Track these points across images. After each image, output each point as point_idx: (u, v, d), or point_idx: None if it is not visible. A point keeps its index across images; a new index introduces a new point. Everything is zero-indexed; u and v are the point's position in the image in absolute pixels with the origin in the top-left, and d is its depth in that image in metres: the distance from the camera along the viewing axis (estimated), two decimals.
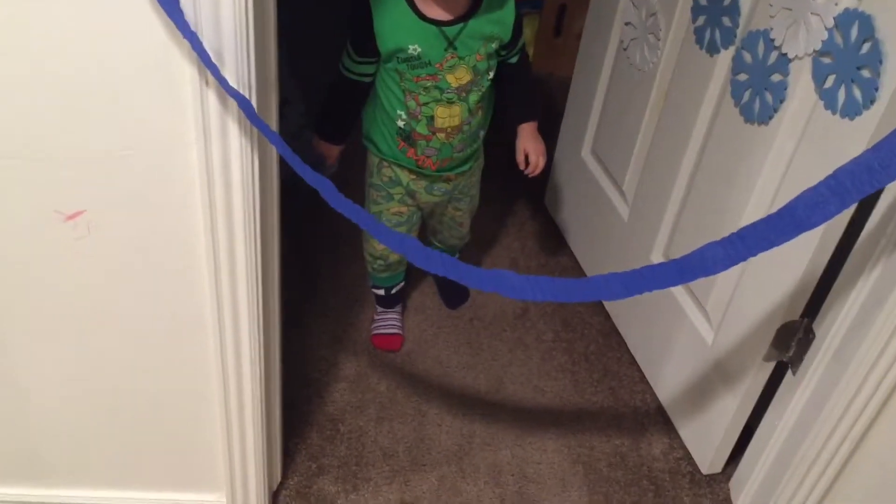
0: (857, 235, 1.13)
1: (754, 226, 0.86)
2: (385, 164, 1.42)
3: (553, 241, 1.96)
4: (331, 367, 1.60)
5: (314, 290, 1.76)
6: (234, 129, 0.89)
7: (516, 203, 2.08)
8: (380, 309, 1.69)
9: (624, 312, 1.72)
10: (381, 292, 1.66)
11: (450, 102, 1.31)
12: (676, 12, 1.43)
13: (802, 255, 1.18)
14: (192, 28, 0.81)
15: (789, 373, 1.31)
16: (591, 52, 1.75)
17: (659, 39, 1.48)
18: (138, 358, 1.11)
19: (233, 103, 0.87)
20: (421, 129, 1.33)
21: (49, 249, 0.98)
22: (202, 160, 0.91)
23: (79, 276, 1.01)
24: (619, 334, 1.73)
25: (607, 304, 1.78)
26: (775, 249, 0.86)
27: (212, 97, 0.86)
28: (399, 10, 1.24)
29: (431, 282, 1.81)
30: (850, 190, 0.81)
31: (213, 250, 0.99)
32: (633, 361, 1.68)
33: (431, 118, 1.32)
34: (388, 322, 1.68)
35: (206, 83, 0.85)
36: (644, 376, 1.65)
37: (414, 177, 1.43)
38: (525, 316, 1.77)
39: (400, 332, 1.67)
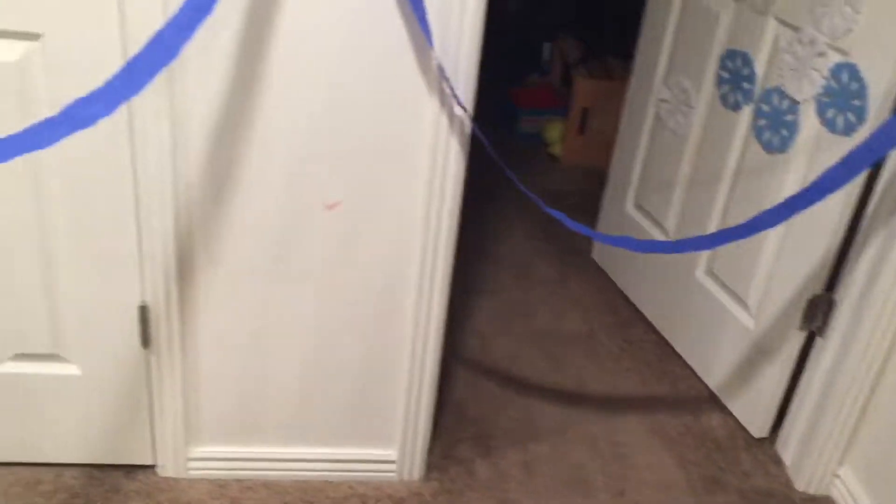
0: (860, 221, 1.60)
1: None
2: None
3: (606, 287, 2.41)
4: (446, 365, 1.99)
5: None
6: (454, 142, 1.34)
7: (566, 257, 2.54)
8: None
9: (674, 326, 2.14)
10: None
11: None
12: (703, 86, 1.94)
13: (820, 241, 1.64)
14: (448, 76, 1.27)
15: (818, 340, 1.73)
16: (631, 126, 2.26)
17: (691, 108, 1.98)
18: (352, 317, 1.49)
19: (455, 124, 1.32)
20: None
21: (308, 229, 1.40)
22: (430, 161, 1.35)
23: (322, 248, 1.42)
24: (670, 346, 2.15)
25: (658, 323, 2.20)
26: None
27: (443, 120, 1.32)
28: None
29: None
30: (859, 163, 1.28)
31: (426, 225, 1.41)
32: (686, 365, 2.09)
33: None
34: None
35: (440, 107, 1.31)
36: (696, 373, 2.06)
37: None
38: (593, 336, 2.19)
39: None
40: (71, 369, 1.48)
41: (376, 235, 1.43)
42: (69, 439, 1.55)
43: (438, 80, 1.29)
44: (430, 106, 1.32)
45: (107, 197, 1.34)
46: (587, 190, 2.83)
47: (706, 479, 1.76)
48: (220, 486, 1.59)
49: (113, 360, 1.48)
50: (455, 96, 1.29)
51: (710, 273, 1.99)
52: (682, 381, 2.05)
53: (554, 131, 3.18)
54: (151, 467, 1.60)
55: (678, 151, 2.05)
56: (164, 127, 1.28)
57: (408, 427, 1.62)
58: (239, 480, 1.61)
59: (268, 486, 1.61)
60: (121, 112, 1.24)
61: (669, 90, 2.07)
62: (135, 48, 1.02)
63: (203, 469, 1.60)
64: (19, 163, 1.30)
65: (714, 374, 2.01)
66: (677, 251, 1.41)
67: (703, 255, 2.00)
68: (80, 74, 1.22)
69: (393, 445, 1.64)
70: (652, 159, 2.19)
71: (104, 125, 0.98)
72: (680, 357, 2.12)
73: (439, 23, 1.24)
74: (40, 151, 1.25)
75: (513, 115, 3.27)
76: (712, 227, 1.96)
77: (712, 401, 1.99)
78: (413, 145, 1.35)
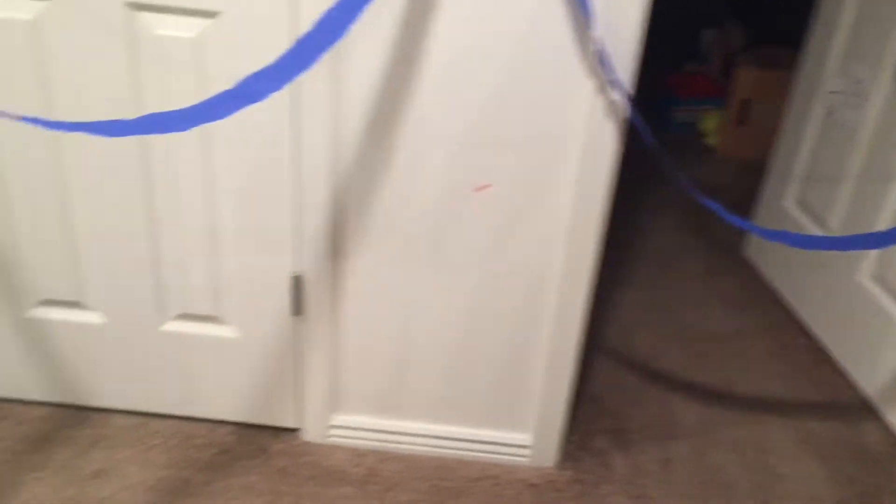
0: None
1: None
2: None
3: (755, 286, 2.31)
4: (587, 356, 1.96)
5: None
6: (608, 130, 1.31)
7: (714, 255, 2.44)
8: None
9: (832, 330, 2.02)
10: None
11: None
12: (882, 77, 1.81)
13: None
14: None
15: None
16: (797, 117, 2.14)
17: (866, 100, 1.85)
18: (497, 303, 1.50)
19: (611, 112, 1.29)
20: None
21: (460, 215, 1.41)
22: (583, 149, 1.33)
23: (473, 234, 1.43)
24: (826, 351, 2.03)
25: (814, 326, 2.09)
26: None
27: (599, 107, 1.29)
28: None
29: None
30: None
31: (575, 214, 1.39)
32: (843, 372, 1.97)
33: None
34: None
35: (597, 93, 1.28)
36: (853, 381, 1.94)
37: None
38: (741, 335, 2.10)
39: None
40: (228, 331, 1.57)
41: (526, 223, 1.42)
42: (223, 398, 1.64)
43: (597, 66, 1.26)
44: (586, 92, 1.29)
45: (268, 171, 1.40)
46: (742, 183, 2.71)
47: (861, 496, 1.66)
48: (358, 454, 1.64)
49: (266, 326, 1.55)
50: (615, 82, 1.26)
51: (877, 277, 1.86)
52: (838, 389, 1.94)
53: (710, 122, 3.06)
54: (295, 431, 1.67)
55: (849, 146, 1.93)
56: (325, 106, 1.32)
57: (545, 413, 1.61)
58: (376, 451, 1.65)
59: (403, 459, 1.64)
60: (286, 90, 1.29)
61: (842, 81, 1.94)
62: (304, 27, 1.05)
63: (343, 437, 1.65)
64: (192, 135, 1.37)
65: (874, 383, 1.88)
66: (842, 248, 1.32)
67: (870, 258, 1.87)
68: (251, 51, 1.28)
69: (529, 430, 1.64)
70: (818, 153, 2.06)
71: (269, 102, 1.02)
72: (836, 363, 2.00)
73: (601, 6, 1.22)
74: (212, 124, 1.32)
75: (666, 104, 3.18)
76: (882, 228, 1.83)
77: (870, 412, 1.87)
78: (568, 132, 1.33)
